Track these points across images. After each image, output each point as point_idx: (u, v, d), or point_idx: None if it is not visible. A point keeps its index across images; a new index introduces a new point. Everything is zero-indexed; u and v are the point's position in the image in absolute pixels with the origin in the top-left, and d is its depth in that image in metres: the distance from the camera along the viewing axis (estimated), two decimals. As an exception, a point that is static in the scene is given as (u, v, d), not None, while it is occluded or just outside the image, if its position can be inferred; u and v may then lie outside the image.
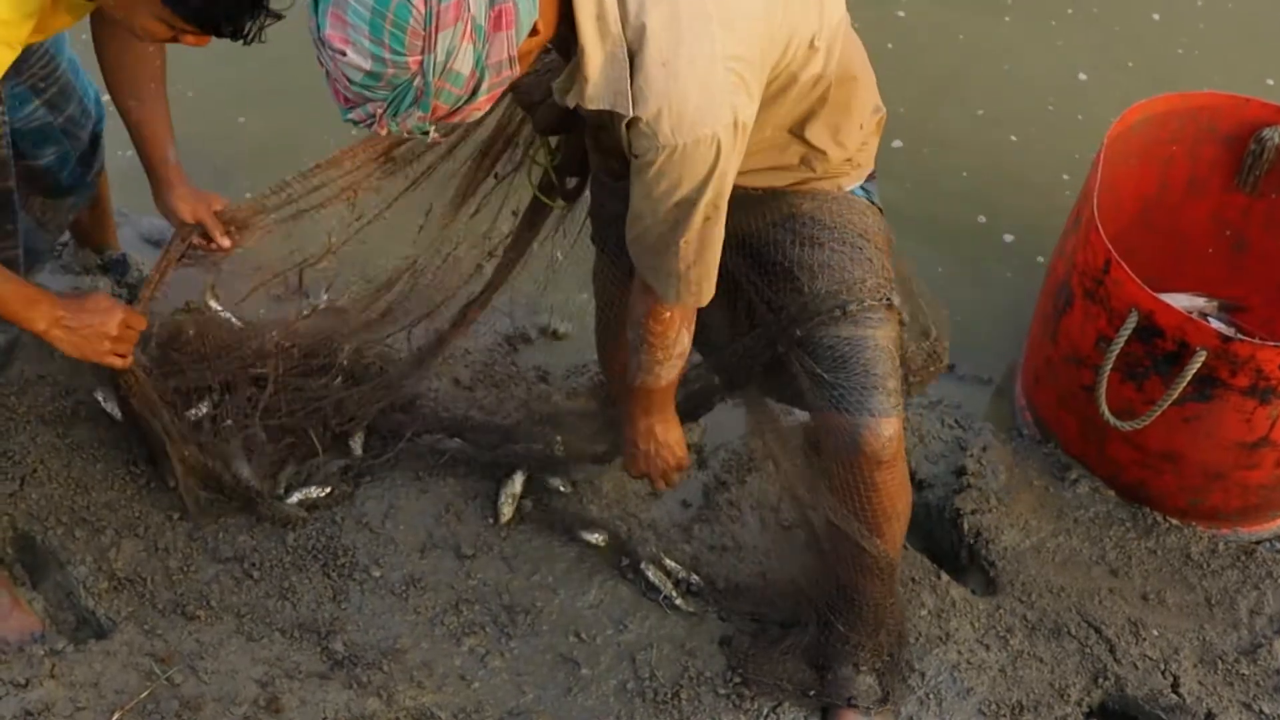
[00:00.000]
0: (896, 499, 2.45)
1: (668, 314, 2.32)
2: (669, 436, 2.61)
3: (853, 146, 2.38)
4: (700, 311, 2.37)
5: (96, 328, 2.50)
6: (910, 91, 4.21)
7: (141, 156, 2.66)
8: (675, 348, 2.39)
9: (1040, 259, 3.83)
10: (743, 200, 2.30)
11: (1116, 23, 4.63)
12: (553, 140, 2.64)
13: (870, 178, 2.48)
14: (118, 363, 2.58)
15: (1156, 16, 4.68)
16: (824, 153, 2.34)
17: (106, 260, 3.32)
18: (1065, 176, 4.09)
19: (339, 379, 3.01)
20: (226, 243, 2.69)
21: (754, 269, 2.44)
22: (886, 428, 2.35)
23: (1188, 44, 4.58)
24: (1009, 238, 3.93)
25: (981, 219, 3.97)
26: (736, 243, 2.35)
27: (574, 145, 2.59)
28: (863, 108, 2.36)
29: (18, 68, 2.48)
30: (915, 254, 3.63)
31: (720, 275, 2.30)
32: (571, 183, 2.69)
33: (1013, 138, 4.24)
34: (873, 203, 2.46)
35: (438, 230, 2.86)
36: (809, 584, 2.70)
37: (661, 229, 2.14)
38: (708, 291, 2.28)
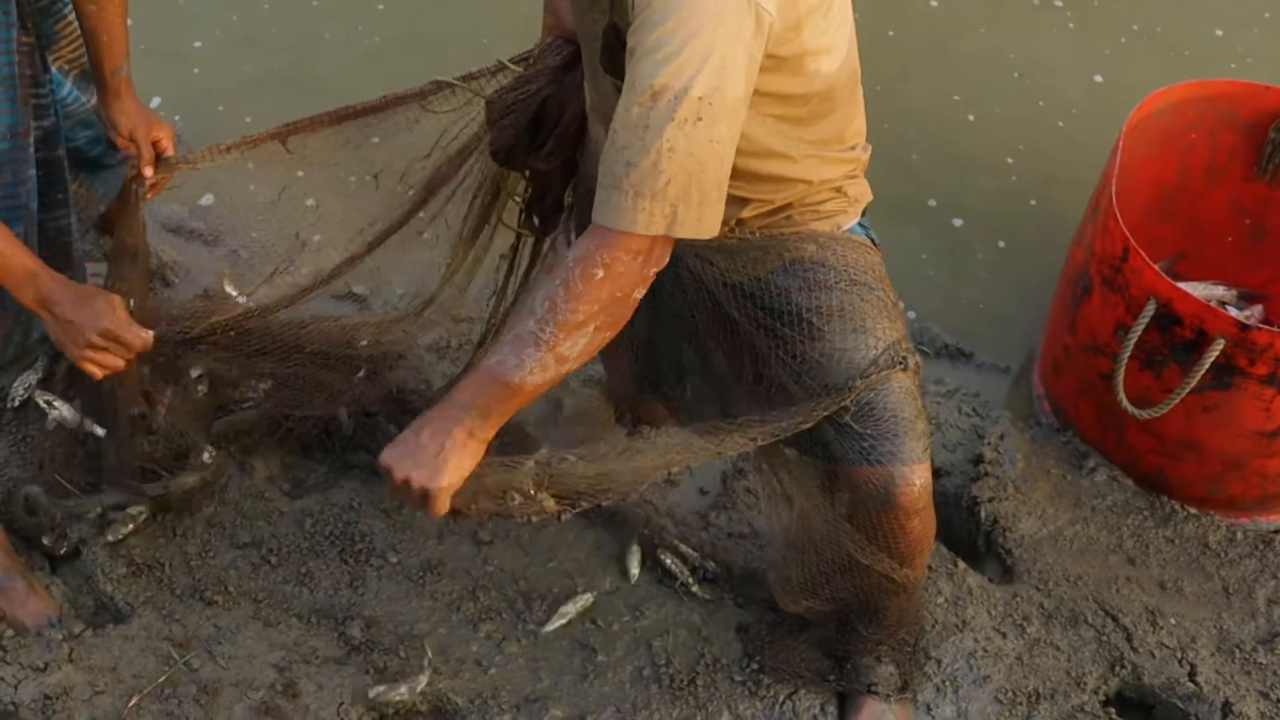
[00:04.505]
0: (927, 531, 2.38)
1: (635, 247, 1.89)
2: (463, 466, 2.00)
3: (838, 173, 2.27)
4: (705, 356, 2.28)
5: (79, 326, 2.39)
6: (888, 71, 4.25)
7: (93, 64, 2.67)
8: (601, 318, 1.93)
9: (1002, 243, 3.85)
10: (741, 249, 2.25)
11: (1186, 46, 4.57)
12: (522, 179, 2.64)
13: (864, 212, 2.39)
14: (91, 370, 2.43)
15: (1220, 33, 4.65)
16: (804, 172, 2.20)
17: None
18: (1009, 160, 4.11)
19: (361, 371, 3.01)
20: (148, 172, 2.65)
21: (763, 312, 2.28)
22: (918, 476, 2.26)
23: (1240, 54, 4.55)
24: (958, 221, 3.93)
25: (932, 203, 3.97)
26: (740, 291, 2.26)
27: (542, 183, 2.58)
28: (843, 131, 2.24)
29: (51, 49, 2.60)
30: (893, 236, 3.65)
31: (721, 322, 2.21)
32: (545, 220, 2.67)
33: (970, 117, 4.25)
34: (871, 239, 2.38)
35: (448, 274, 2.88)
36: (827, 600, 2.58)
37: (638, 129, 1.83)
38: (710, 223, 1.91)
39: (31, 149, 2.57)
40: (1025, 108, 4.31)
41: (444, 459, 1.98)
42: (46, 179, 2.64)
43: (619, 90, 2.02)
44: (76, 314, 2.37)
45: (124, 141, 2.69)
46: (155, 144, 2.70)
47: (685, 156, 1.83)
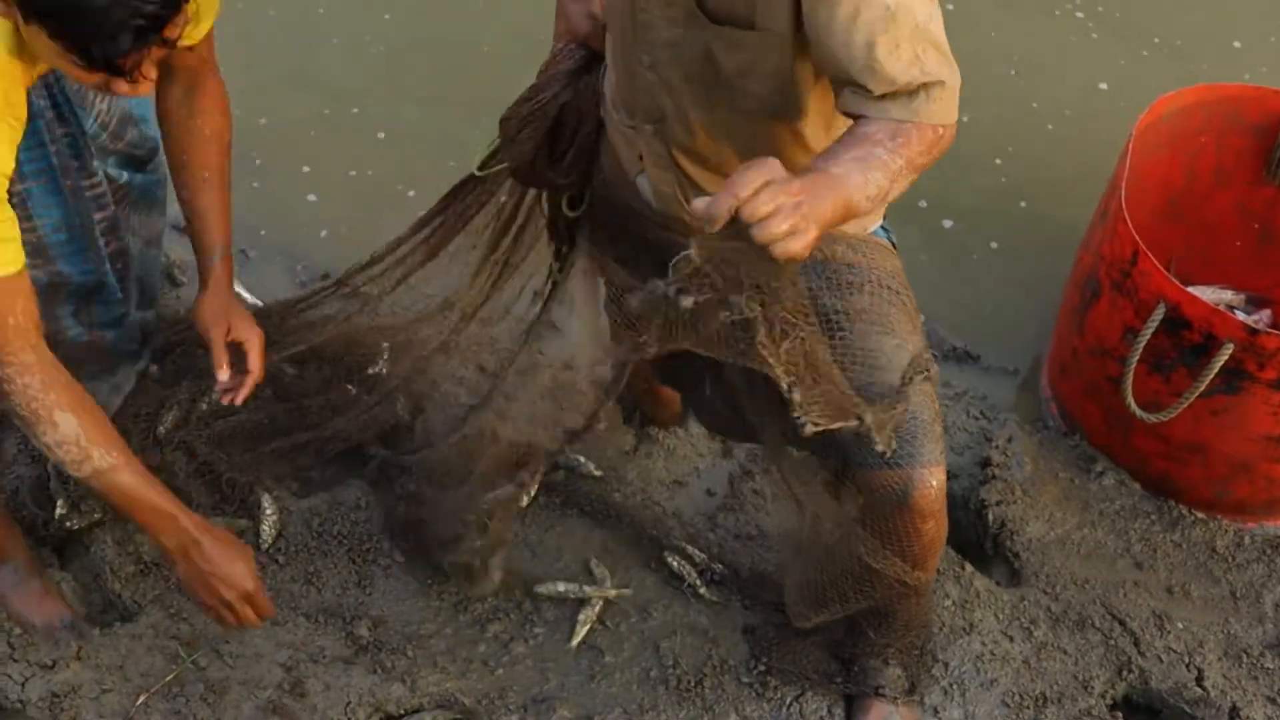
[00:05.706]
0: (940, 533, 2.37)
1: (939, 132, 2.01)
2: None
3: None
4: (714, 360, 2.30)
5: (220, 580, 2.29)
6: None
7: (192, 243, 2.54)
8: (920, 173, 2.02)
9: (994, 244, 3.86)
10: None
11: (1205, 58, 4.54)
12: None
13: (884, 215, 2.39)
14: (219, 619, 2.36)
15: (1238, 44, 4.63)
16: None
17: None
18: (998, 161, 4.11)
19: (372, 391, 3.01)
20: (222, 376, 2.49)
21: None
22: (934, 478, 2.25)
23: (1255, 64, 4.52)
24: (948, 222, 3.93)
25: (922, 204, 3.95)
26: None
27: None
28: None
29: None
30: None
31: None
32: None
33: (964, 118, 4.23)
34: (892, 243, 2.38)
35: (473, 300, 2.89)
36: (839, 611, 2.56)
37: (896, 47, 1.92)
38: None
39: (100, 240, 2.57)
40: (1018, 109, 4.29)
41: (817, 222, 1.79)
42: (118, 273, 2.66)
43: (706, 50, 2.01)
44: (219, 568, 2.27)
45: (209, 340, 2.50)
46: (239, 346, 2.49)
47: (936, 50, 1.96)
